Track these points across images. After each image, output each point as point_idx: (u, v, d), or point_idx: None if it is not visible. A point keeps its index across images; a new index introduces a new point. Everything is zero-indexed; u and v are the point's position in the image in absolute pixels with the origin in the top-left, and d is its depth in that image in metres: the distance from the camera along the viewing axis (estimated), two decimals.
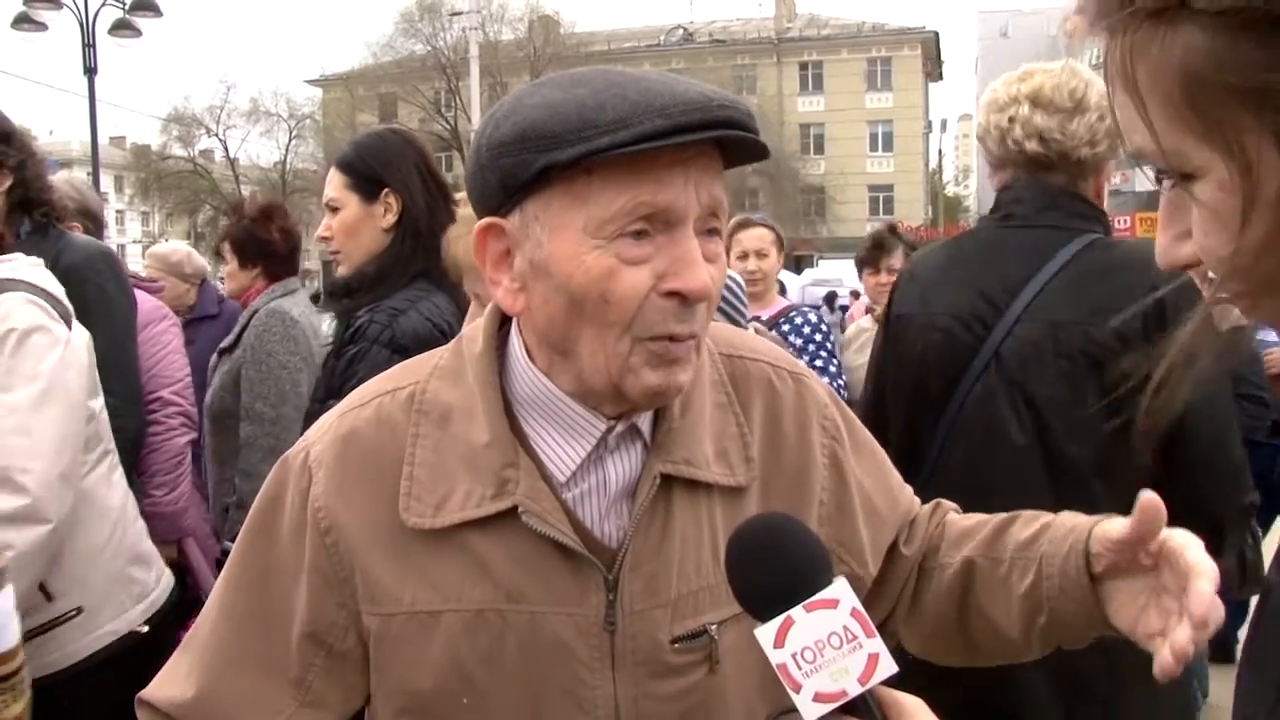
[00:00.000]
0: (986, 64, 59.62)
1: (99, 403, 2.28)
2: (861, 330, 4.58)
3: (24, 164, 2.76)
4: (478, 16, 33.28)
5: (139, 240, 53.05)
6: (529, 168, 0.96)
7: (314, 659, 1.10)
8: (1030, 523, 1.20)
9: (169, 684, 1.15)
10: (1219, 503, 1.82)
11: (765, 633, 0.89)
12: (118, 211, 58.78)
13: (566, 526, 1.05)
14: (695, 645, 1.09)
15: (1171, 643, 0.96)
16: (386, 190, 2.44)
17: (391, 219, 2.45)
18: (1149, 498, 1.00)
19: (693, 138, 0.94)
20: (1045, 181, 2.03)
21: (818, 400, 1.23)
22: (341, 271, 2.53)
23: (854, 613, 0.88)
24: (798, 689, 0.87)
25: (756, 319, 3.86)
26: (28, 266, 2.22)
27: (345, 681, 1.12)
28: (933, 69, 52.54)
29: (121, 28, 16.55)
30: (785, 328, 3.89)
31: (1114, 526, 1.07)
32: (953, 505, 1.34)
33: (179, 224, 49.16)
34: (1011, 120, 2.02)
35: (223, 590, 1.16)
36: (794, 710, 0.87)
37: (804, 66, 50.10)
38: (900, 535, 1.29)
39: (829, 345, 3.94)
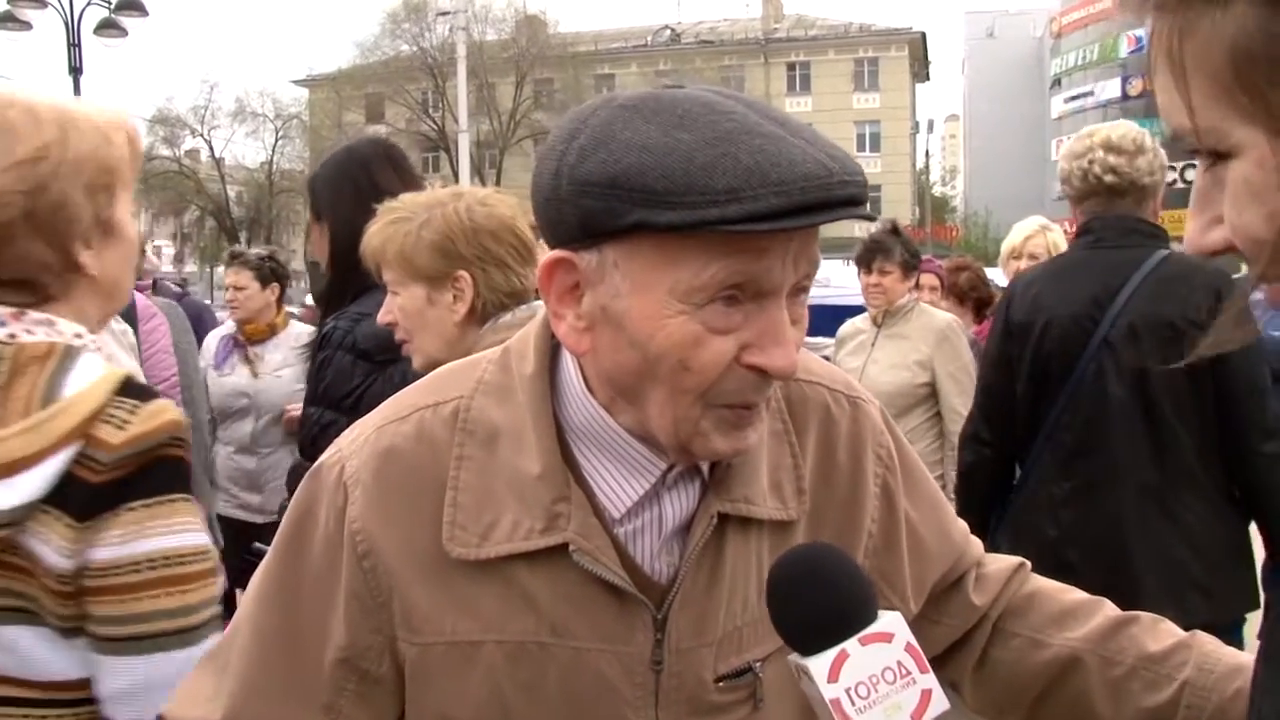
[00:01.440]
0: (973, 64, 59.91)
1: None
2: (858, 331, 4.55)
3: None
4: (464, 16, 33.18)
5: None
6: (618, 218, 0.87)
7: (347, 684, 1.05)
8: (1155, 631, 1.15)
9: (194, 704, 1.10)
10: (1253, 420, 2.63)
11: (819, 665, 0.86)
12: None
13: (617, 565, 1.00)
14: (740, 683, 1.05)
15: None
16: (321, 216, 2.59)
17: (324, 243, 2.58)
18: None
19: (810, 221, 0.85)
20: (1121, 211, 2.80)
21: (874, 427, 1.17)
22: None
23: (908, 647, 0.87)
24: None
25: None
26: None
27: (376, 706, 1.07)
28: (920, 70, 52.70)
29: (107, 27, 16.46)
30: None
31: None
32: (1034, 574, 1.30)
33: (165, 225, 48.94)
34: (1090, 162, 2.79)
35: (252, 607, 1.10)
36: None
37: (791, 67, 50.22)
38: (968, 580, 1.23)
39: None
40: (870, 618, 0.87)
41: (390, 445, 1.05)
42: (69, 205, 1.37)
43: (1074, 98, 42.43)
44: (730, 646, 1.05)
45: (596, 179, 0.87)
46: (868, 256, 4.35)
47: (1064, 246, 4.61)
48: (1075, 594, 1.23)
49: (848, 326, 4.67)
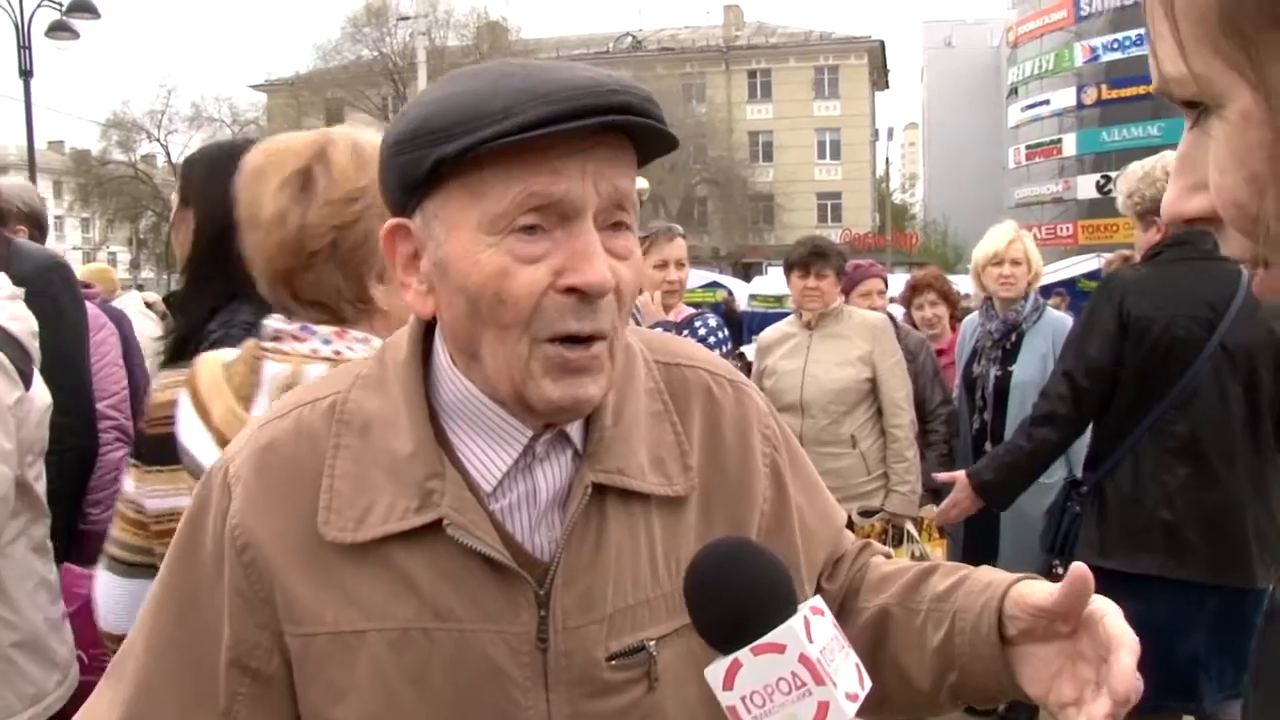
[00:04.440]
0: (932, 72, 60.57)
1: (36, 471, 2.09)
2: (786, 335, 4.53)
3: None
4: (425, 21, 33.04)
5: (79, 247, 52.04)
6: (421, 165, 0.93)
7: (240, 687, 1.04)
8: (950, 574, 1.15)
9: (92, 717, 1.09)
10: None
11: (714, 673, 0.87)
12: (56, 218, 57.53)
13: (494, 539, 1.00)
14: (632, 662, 1.04)
15: (1089, 716, 0.93)
16: (188, 200, 2.42)
17: (189, 230, 2.42)
18: (1080, 569, 0.96)
19: (581, 124, 0.90)
20: (1203, 228, 3.20)
21: (758, 409, 1.20)
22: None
23: (802, 658, 0.85)
24: None
25: (662, 324, 3.89)
26: (5, 300, 2.07)
27: (273, 708, 1.05)
28: (879, 78, 53.15)
29: (58, 29, 16.23)
30: (685, 334, 3.92)
31: (1034, 591, 1.03)
32: (883, 549, 1.30)
33: (120, 230, 48.28)
34: None
35: (147, 616, 1.09)
36: None
37: (752, 75, 50.48)
38: (824, 569, 1.25)
39: (723, 350, 3.96)
40: (773, 622, 0.86)
41: (269, 441, 1.07)
42: (369, 243, 1.50)
43: (1030, 106, 42.95)
44: (623, 625, 1.04)
45: (402, 136, 0.96)
46: (807, 261, 4.37)
47: (1036, 251, 4.64)
48: (900, 563, 1.24)
49: (770, 333, 4.68)
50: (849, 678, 0.88)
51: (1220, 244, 0.61)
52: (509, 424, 1.03)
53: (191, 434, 1.47)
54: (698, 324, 4.04)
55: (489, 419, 1.03)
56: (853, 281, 4.96)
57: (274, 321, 1.55)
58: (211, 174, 2.41)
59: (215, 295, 2.29)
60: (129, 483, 1.60)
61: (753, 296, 21.18)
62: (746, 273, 36.12)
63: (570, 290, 0.94)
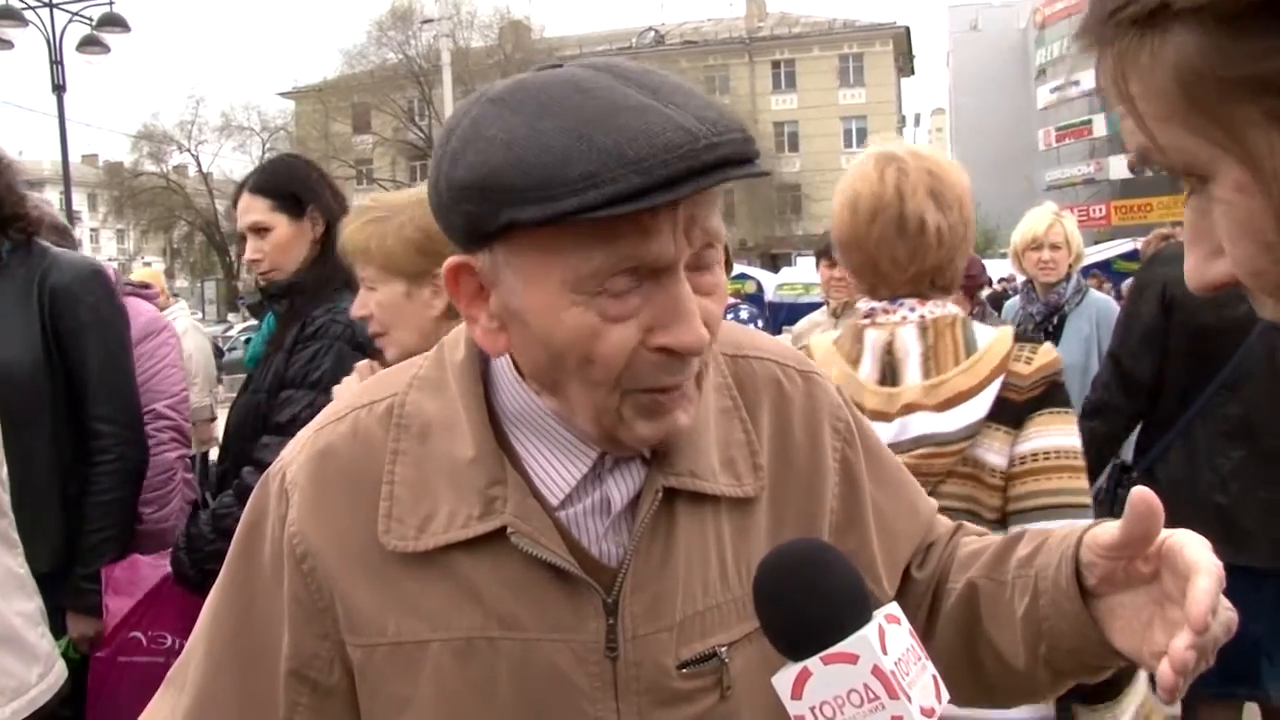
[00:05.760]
0: (958, 57, 59.93)
1: None
2: (815, 324, 4.52)
3: None
4: (449, 24, 33.13)
5: (114, 258, 52.59)
6: (491, 221, 0.86)
7: (299, 697, 1.01)
8: (1034, 539, 1.08)
9: None
10: None
11: (781, 681, 0.84)
12: (92, 230, 58.24)
13: (560, 547, 0.97)
14: (704, 669, 1.00)
15: (1170, 654, 0.85)
16: (311, 206, 2.68)
17: (320, 230, 2.68)
18: (1141, 492, 0.89)
19: (676, 194, 0.82)
20: None
21: (830, 400, 1.14)
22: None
23: (876, 671, 0.82)
24: None
25: None
26: None
27: None
28: (905, 64, 52.70)
29: (89, 44, 16.39)
30: None
31: (1105, 530, 0.96)
32: (977, 529, 1.24)
33: (154, 241, 48.78)
34: None
35: (206, 624, 1.08)
36: None
37: (776, 65, 50.17)
38: (915, 557, 1.19)
39: None
40: (845, 630, 0.83)
41: (326, 446, 1.04)
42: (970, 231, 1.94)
43: (1059, 87, 42.43)
44: (693, 631, 1.01)
45: (468, 183, 0.87)
46: (832, 250, 4.35)
47: (1077, 233, 4.57)
48: (989, 539, 1.19)
49: (804, 323, 4.68)
50: (925, 691, 0.84)
51: (1255, 308, 0.60)
52: (577, 439, 1.00)
53: None
54: (729, 317, 4.06)
55: (555, 432, 1.00)
56: None
57: (864, 303, 2.00)
58: (317, 185, 2.73)
59: (333, 286, 2.60)
60: None
61: (779, 286, 21.10)
62: (775, 264, 35.97)
63: (661, 349, 0.90)
